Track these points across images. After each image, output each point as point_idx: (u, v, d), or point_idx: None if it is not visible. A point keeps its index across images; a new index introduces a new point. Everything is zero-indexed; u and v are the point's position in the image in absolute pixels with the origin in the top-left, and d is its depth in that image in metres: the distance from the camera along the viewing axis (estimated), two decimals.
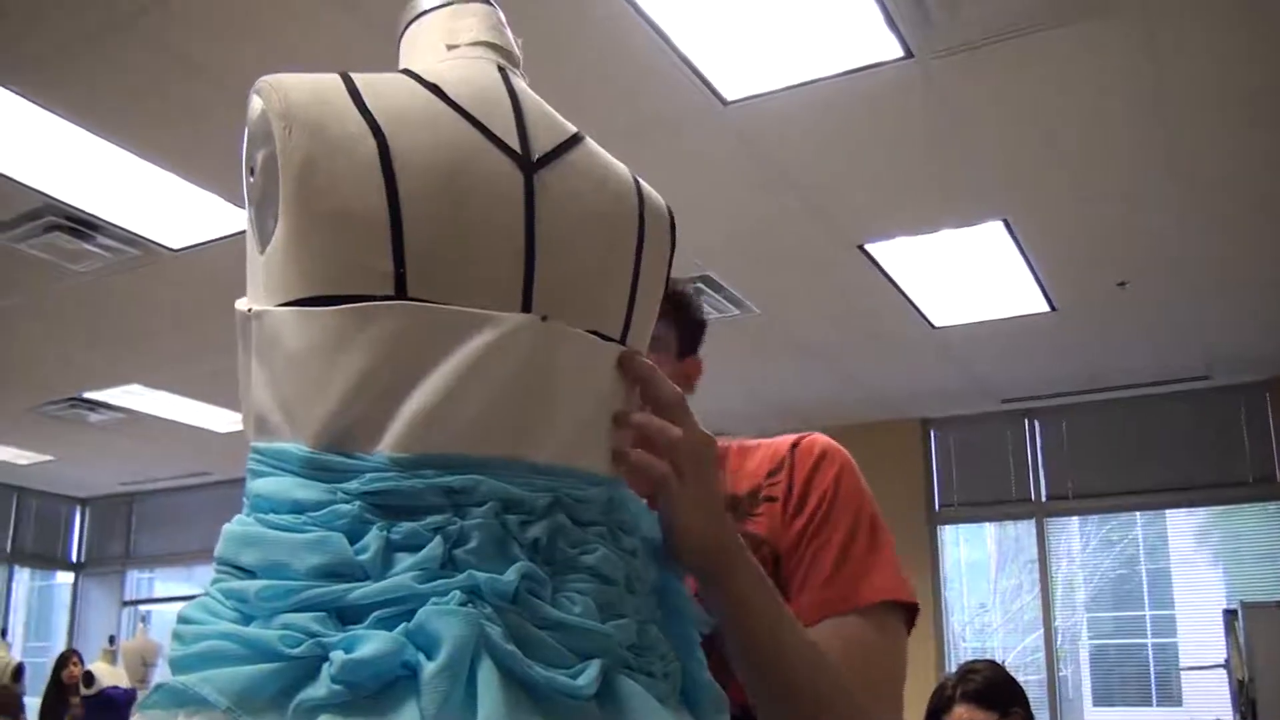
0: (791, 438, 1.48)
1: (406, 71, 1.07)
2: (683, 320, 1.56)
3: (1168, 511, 8.39)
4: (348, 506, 0.91)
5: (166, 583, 12.39)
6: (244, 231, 1.04)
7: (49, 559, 12.25)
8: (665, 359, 1.47)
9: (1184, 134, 4.30)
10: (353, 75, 1.01)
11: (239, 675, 0.85)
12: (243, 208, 1.04)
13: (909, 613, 1.38)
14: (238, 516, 0.98)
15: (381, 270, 0.96)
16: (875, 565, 1.37)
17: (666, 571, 1.15)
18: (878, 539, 1.40)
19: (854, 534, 1.38)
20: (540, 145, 1.07)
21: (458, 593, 0.88)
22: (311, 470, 0.94)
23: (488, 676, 0.85)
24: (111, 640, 9.61)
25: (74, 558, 12.31)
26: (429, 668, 0.84)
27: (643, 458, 1.15)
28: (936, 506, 8.25)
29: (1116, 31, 3.62)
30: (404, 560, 0.90)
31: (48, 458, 10.13)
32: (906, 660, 1.38)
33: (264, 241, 0.99)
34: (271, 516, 0.94)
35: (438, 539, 0.91)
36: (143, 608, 11.72)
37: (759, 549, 1.36)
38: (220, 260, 5.04)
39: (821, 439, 1.47)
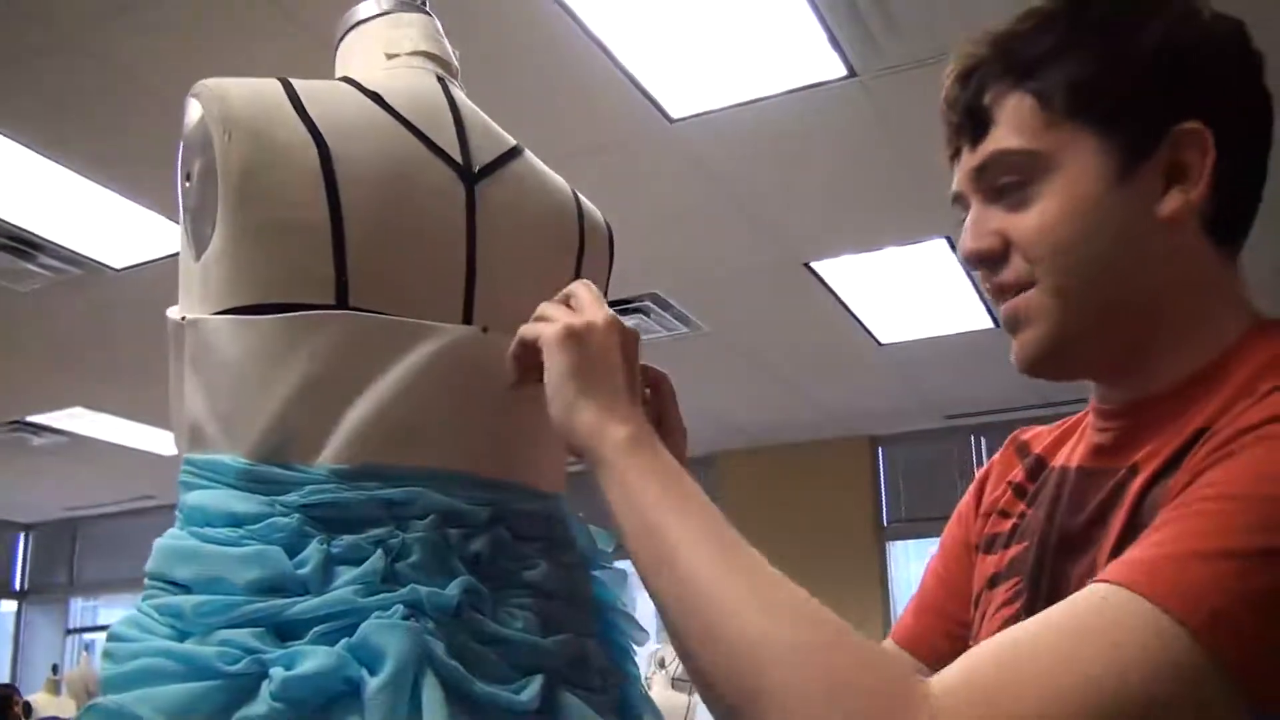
0: None
1: (347, 79, 1.06)
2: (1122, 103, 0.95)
3: None
4: (286, 519, 0.90)
5: (111, 610, 12.19)
6: None
7: None
8: (1091, 185, 0.95)
9: None
10: (293, 82, 1.00)
11: (176, 693, 0.84)
12: None
13: (1182, 634, 0.72)
14: (170, 530, 0.97)
15: (322, 279, 0.95)
16: (1197, 563, 0.75)
17: (603, 586, 1.14)
18: (1250, 544, 0.75)
19: (1221, 500, 0.79)
20: (481, 156, 1.07)
21: (400, 607, 0.88)
22: (249, 482, 0.93)
23: (432, 692, 0.84)
24: (55, 670, 9.44)
25: (16, 585, 12.10)
26: (373, 683, 0.83)
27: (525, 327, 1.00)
28: (885, 523, 8.27)
29: None
30: (345, 574, 0.89)
31: None
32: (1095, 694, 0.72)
33: (200, 248, 0.97)
34: (207, 530, 0.92)
35: (379, 552, 0.90)
36: (87, 636, 11.53)
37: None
38: (164, 280, 4.89)
39: None
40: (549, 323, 0.97)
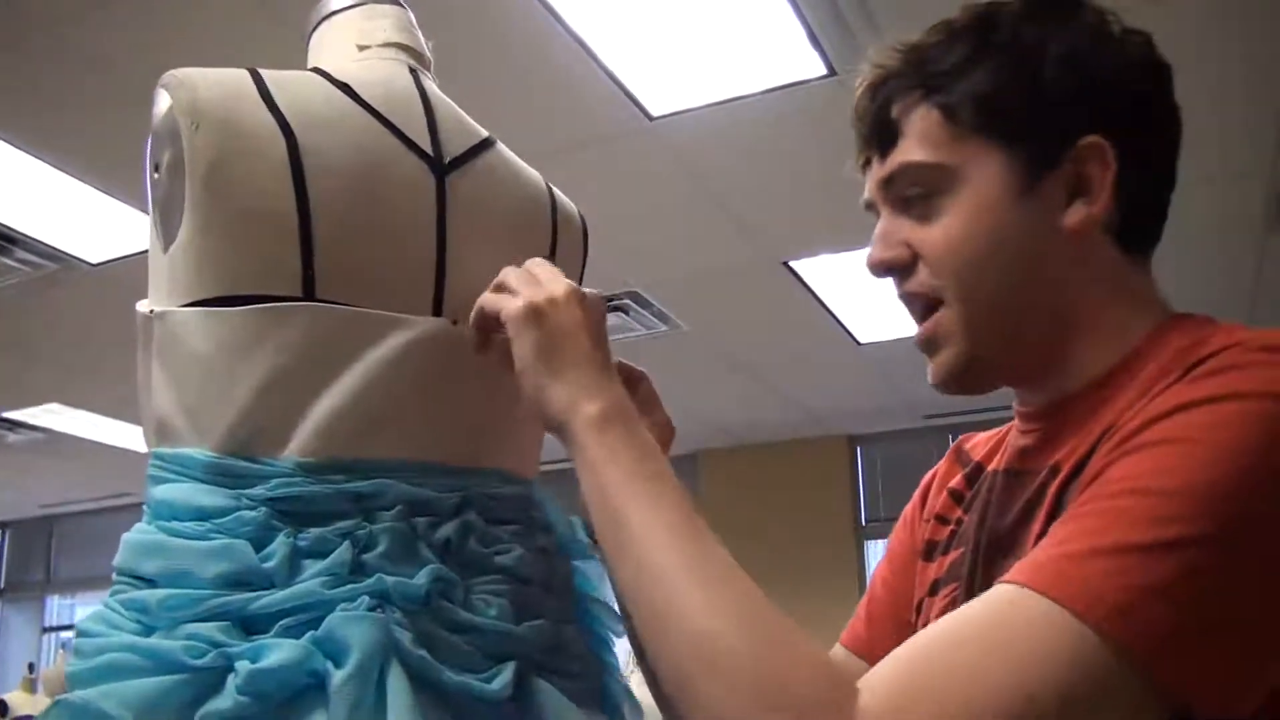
0: (1238, 338, 0.85)
1: (317, 70, 1.05)
2: (1018, 99, 0.96)
3: None
4: (253, 513, 0.90)
5: (88, 608, 12.11)
6: None
7: None
8: (995, 197, 0.96)
9: None
10: (261, 72, 0.99)
11: (142, 688, 0.83)
12: None
13: (1087, 632, 0.73)
14: (137, 524, 0.96)
15: (290, 271, 0.94)
16: (1100, 559, 0.75)
17: (583, 577, 1.14)
18: (1152, 537, 0.74)
19: (1125, 495, 0.78)
20: (452, 148, 1.06)
21: (366, 598, 0.87)
22: (215, 476, 0.92)
23: (397, 682, 0.84)
24: (31, 668, 9.38)
25: None
26: (337, 676, 0.83)
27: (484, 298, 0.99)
28: (864, 522, 8.28)
29: None
30: (311, 566, 0.89)
31: None
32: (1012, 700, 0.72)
33: (168, 240, 0.97)
34: (174, 524, 0.92)
35: (346, 544, 0.90)
36: (63, 634, 11.47)
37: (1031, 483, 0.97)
38: (139, 274, 4.84)
39: (1243, 352, 0.82)
40: (510, 296, 0.96)
